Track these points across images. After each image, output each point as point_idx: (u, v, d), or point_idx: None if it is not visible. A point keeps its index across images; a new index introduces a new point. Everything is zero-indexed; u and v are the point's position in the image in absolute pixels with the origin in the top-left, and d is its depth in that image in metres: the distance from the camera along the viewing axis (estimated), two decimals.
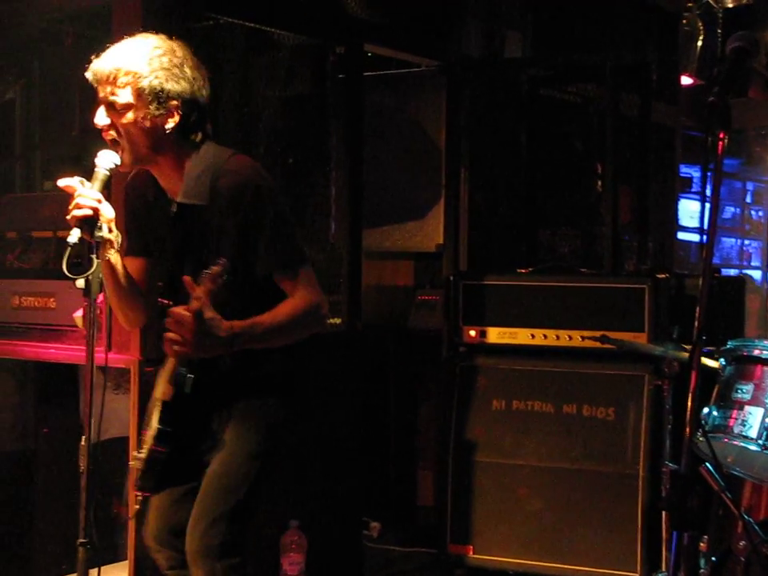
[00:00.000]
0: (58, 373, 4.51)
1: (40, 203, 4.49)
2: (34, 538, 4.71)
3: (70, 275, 2.92)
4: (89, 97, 4.78)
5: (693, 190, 8.37)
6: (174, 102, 3.00)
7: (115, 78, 2.97)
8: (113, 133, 3.04)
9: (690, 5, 7.64)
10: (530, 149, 5.73)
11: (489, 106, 5.57)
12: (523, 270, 4.93)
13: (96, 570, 3.05)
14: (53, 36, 4.81)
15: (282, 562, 4.23)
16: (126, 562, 3.84)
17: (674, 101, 6.98)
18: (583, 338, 4.54)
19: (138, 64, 2.96)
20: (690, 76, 7.61)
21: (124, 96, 2.98)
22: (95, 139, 4.86)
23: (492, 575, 4.65)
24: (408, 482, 5.58)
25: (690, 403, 2.23)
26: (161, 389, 3.10)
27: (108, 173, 3.05)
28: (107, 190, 3.10)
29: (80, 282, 2.97)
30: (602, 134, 5.45)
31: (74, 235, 2.93)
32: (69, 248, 2.91)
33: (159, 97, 2.98)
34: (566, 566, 4.51)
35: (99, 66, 2.99)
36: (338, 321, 4.59)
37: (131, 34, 3.71)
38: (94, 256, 2.96)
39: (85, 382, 3.01)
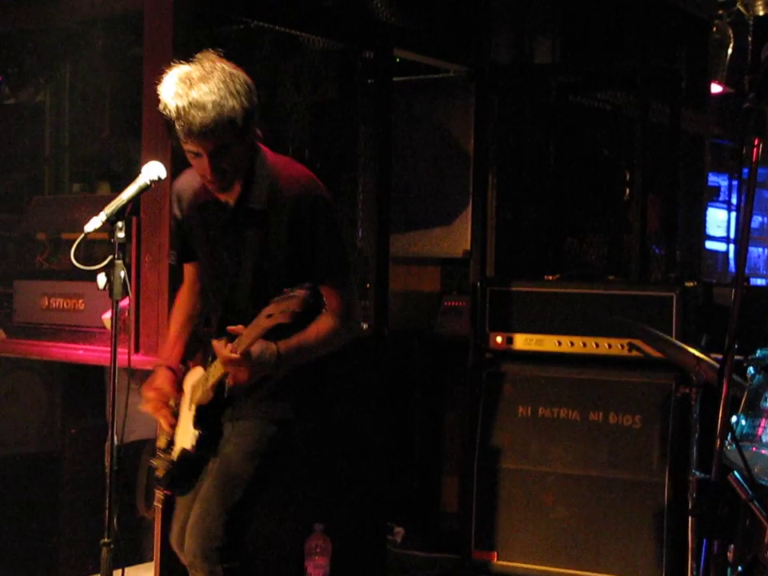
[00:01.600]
0: (86, 374, 4.53)
1: (69, 205, 4.52)
2: (61, 538, 4.73)
3: (75, 261, 2.97)
4: (119, 99, 4.84)
5: (720, 198, 8.33)
6: (254, 119, 3.02)
7: (214, 127, 2.91)
8: (214, 174, 3.03)
9: (720, 12, 7.61)
10: (558, 156, 5.72)
11: (517, 112, 5.57)
12: (550, 277, 4.92)
13: (120, 570, 3.07)
14: (83, 39, 4.84)
15: (307, 565, 4.23)
16: (152, 563, 3.85)
17: (703, 108, 6.96)
18: (610, 345, 4.53)
19: (225, 103, 2.92)
20: (719, 84, 7.58)
21: (225, 138, 2.95)
22: (124, 142, 4.91)
23: None
24: (432, 487, 5.57)
25: (721, 412, 2.22)
26: (198, 394, 3.12)
27: (149, 183, 3.09)
28: (138, 198, 3.15)
29: (101, 282, 3.00)
30: (630, 141, 5.44)
31: (92, 224, 2.98)
32: (83, 235, 2.97)
33: (248, 122, 2.98)
34: (590, 574, 4.49)
35: (191, 119, 2.91)
36: (364, 326, 4.59)
37: (163, 38, 3.76)
38: (114, 256, 2.99)
39: (109, 383, 3.03)
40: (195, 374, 3.22)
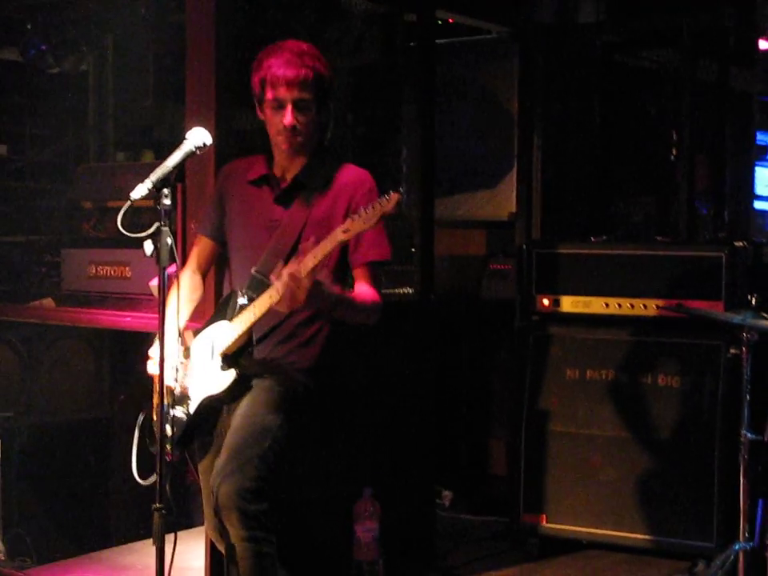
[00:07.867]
0: (134, 341, 4.56)
1: (114, 173, 4.55)
2: (112, 504, 4.79)
3: (122, 229, 2.97)
4: (162, 67, 4.85)
5: None
6: (332, 100, 3.33)
7: (306, 80, 3.21)
8: (296, 131, 3.26)
9: None
10: (603, 116, 5.65)
11: (562, 72, 5.50)
12: (597, 239, 4.87)
13: (172, 534, 3.08)
14: (125, 7, 4.84)
15: (356, 528, 4.24)
16: (202, 527, 3.88)
17: (751, 65, 6.84)
18: (658, 306, 4.48)
19: (322, 64, 3.25)
20: None
21: (309, 92, 3.22)
22: (167, 109, 4.92)
23: (565, 544, 4.64)
24: (480, 451, 5.57)
25: None
26: (240, 338, 3.16)
27: (194, 150, 3.09)
28: (183, 165, 3.14)
29: (148, 249, 2.99)
30: (677, 100, 5.36)
31: (138, 191, 2.96)
32: (129, 202, 2.96)
33: (329, 92, 3.28)
34: (639, 536, 4.48)
35: (289, 69, 3.20)
36: (410, 291, 4.57)
37: (205, 4, 3.76)
38: (161, 223, 2.98)
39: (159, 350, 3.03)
40: (212, 331, 3.27)
